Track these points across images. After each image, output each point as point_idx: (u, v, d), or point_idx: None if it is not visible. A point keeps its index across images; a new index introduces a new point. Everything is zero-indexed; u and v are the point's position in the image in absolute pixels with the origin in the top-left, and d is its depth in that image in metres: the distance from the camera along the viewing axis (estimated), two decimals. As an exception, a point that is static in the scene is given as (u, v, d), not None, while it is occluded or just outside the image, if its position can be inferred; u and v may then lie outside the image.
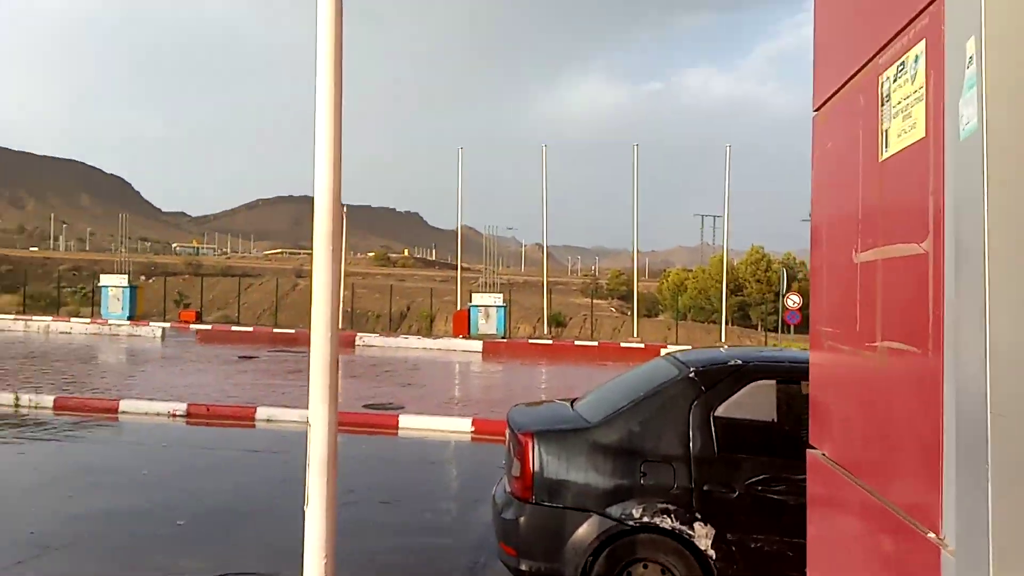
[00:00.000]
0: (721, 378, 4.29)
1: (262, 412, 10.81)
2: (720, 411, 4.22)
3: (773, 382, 4.36)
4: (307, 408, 9.17)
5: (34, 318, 30.49)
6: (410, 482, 7.47)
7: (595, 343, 31.28)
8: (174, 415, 10.78)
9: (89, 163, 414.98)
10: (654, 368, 4.81)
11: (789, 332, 31.11)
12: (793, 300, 28.46)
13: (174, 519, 5.86)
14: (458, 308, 34.85)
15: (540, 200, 35.73)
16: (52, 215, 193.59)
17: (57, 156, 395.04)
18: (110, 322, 31.92)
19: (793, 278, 41.50)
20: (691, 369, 4.38)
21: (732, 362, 4.38)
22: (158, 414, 10.77)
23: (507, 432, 4.76)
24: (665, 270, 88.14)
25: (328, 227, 3.06)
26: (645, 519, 4.06)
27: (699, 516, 4.06)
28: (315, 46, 2.96)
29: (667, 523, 4.06)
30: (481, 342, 24.24)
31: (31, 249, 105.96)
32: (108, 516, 5.84)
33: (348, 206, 36.52)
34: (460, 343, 24.79)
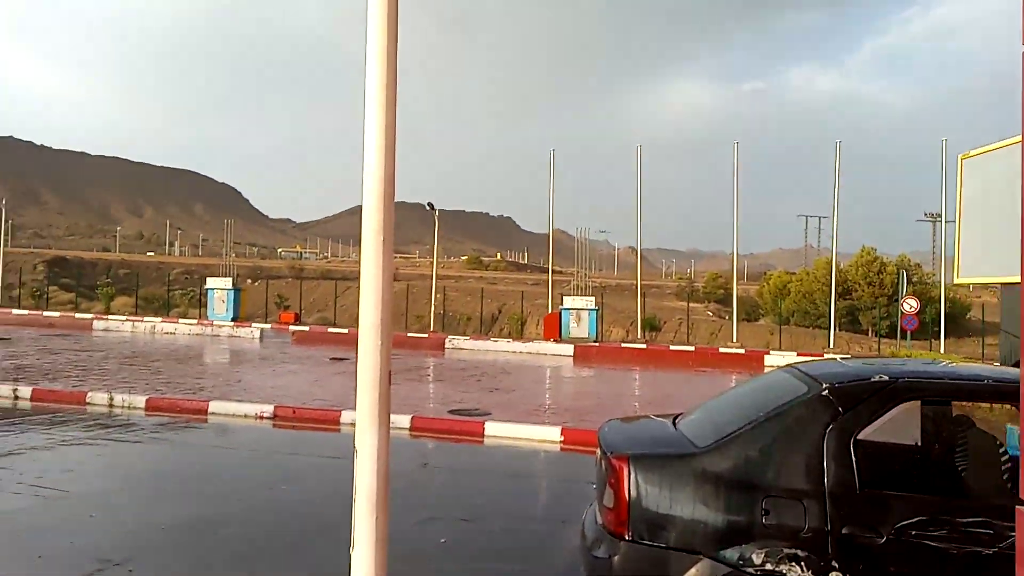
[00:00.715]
0: (863, 397, 3.51)
1: (347, 416, 10.54)
2: (862, 438, 3.45)
3: (929, 403, 3.56)
4: (391, 412, 8.57)
5: (145, 319, 31.92)
6: (494, 497, 6.92)
7: (691, 348, 30.10)
8: (261, 417, 10.66)
9: (202, 173, 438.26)
10: (776, 383, 4.06)
11: (906, 338, 28.92)
12: (910, 304, 26.41)
13: (244, 534, 5.51)
14: (549, 311, 34.31)
15: (634, 202, 34.77)
16: (168, 222, 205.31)
17: (173, 166, 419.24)
18: (215, 323, 33.12)
19: (908, 281, 38.80)
20: (824, 386, 3.61)
21: (877, 378, 3.59)
22: (246, 416, 10.68)
23: (598, 452, 4.13)
24: (765, 272, 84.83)
25: (379, 220, 2.52)
26: (768, 566, 3.34)
27: (836, 566, 3.31)
28: (366, 32, 2.46)
29: (796, 573, 3.32)
30: (572, 346, 23.57)
31: (148, 254, 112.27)
32: (176, 528, 5.55)
33: (442, 211, 36.65)
34: (551, 347, 24.21)
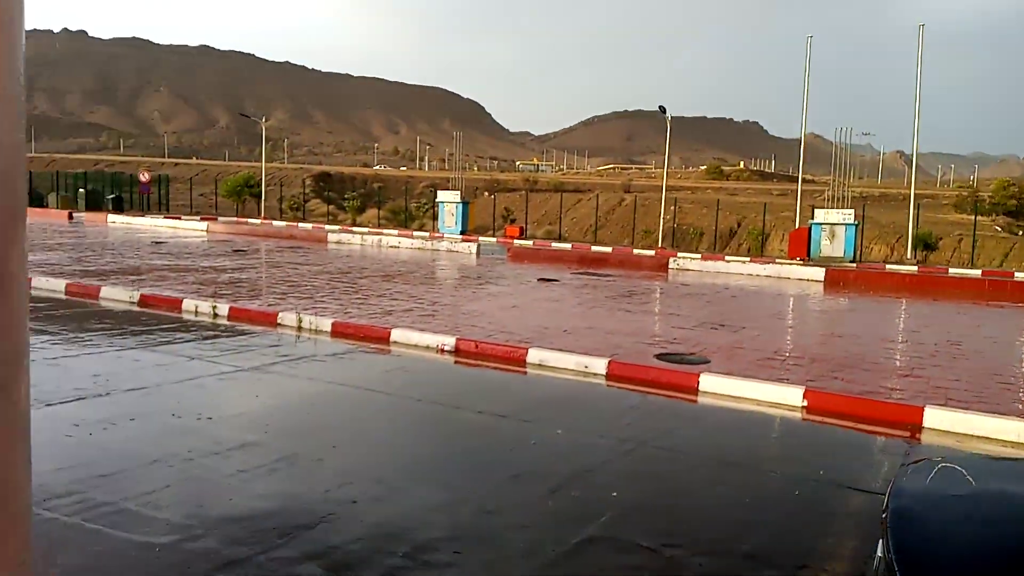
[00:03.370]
0: None
1: (534, 355, 8.92)
2: None
3: None
4: (585, 355, 6.37)
5: (384, 231, 33.03)
6: (697, 506, 4.85)
7: (978, 273, 24.88)
8: (442, 350, 9.41)
9: (450, 90, 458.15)
10: None
11: None
12: None
13: (329, 537, 4.03)
14: (796, 225, 30.22)
15: (908, 96, 28.92)
16: (418, 138, 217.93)
17: (423, 84, 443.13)
18: (445, 236, 33.47)
19: None
20: None
21: None
22: (427, 347, 9.49)
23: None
24: (1074, 180, 69.86)
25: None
26: None
27: None
28: None
29: None
30: (823, 269, 19.98)
31: (401, 168, 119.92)
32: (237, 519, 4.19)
33: (679, 118, 33.39)
34: (796, 269, 20.79)
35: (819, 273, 19.51)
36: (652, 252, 27.51)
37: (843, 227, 28.55)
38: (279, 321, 10.81)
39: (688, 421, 6.89)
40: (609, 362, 8.42)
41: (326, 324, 10.48)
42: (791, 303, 15.49)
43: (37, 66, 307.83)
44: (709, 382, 7.83)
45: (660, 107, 32.03)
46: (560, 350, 9.00)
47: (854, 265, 26.95)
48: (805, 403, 7.36)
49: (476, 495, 4.80)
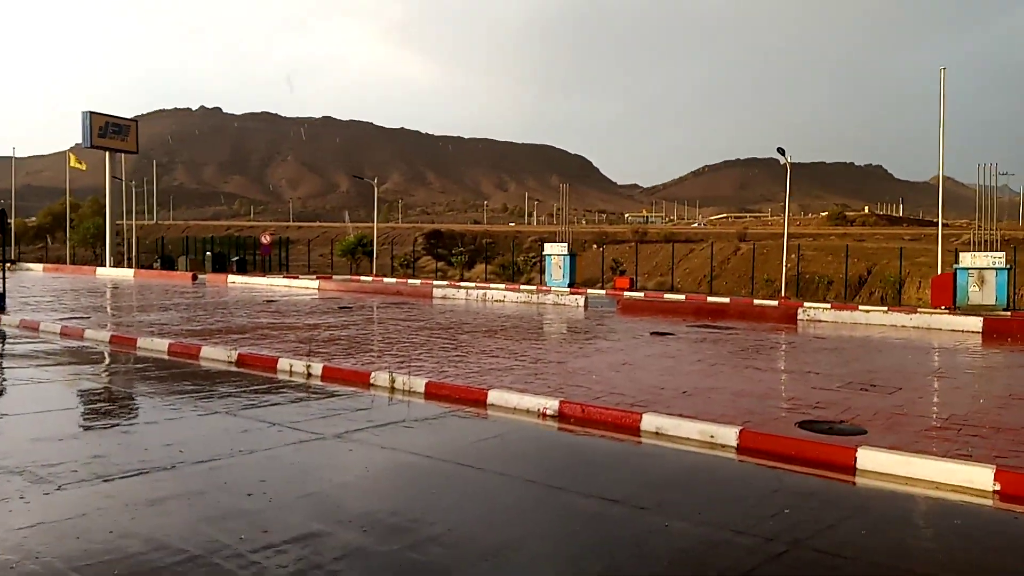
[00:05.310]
0: None
1: (649, 421, 7.76)
2: None
3: None
4: (711, 422, 5.14)
5: (491, 286, 32.64)
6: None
7: None
8: (544, 415, 8.41)
9: (557, 146, 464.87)
10: None
11: None
12: None
13: None
14: (938, 271, 27.48)
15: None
16: (526, 194, 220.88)
17: (531, 143, 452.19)
18: (553, 289, 32.68)
19: None
20: None
21: None
22: (527, 411, 8.52)
23: None
24: None
25: None
26: None
27: None
28: None
29: None
30: (980, 318, 17.63)
31: (509, 225, 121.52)
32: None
33: (796, 164, 31.55)
34: (947, 319, 18.49)
35: (975, 323, 17.19)
36: (776, 302, 25.58)
37: (993, 272, 25.70)
38: (372, 381, 10.15)
39: (849, 511, 5.50)
40: (741, 431, 7.13)
41: (420, 385, 9.72)
42: (949, 358, 13.48)
43: (178, 141, 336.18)
44: (870, 458, 6.39)
45: (779, 149, 30.32)
46: (680, 415, 7.77)
47: (1009, 314, 24.03)
48: (997, 487, 5.84)
49: (579, 618, 3.69)
